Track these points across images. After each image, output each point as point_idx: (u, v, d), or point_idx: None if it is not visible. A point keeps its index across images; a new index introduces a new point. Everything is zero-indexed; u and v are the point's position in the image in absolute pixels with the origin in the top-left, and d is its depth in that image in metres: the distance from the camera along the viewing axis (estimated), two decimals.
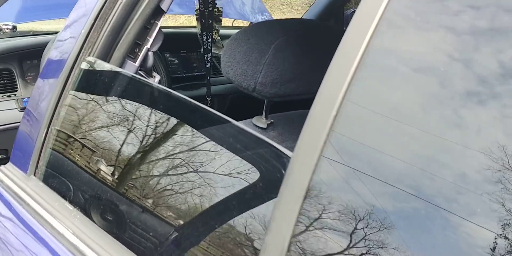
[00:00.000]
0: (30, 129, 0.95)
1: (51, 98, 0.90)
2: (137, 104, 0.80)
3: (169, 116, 0.75)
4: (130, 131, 0.79)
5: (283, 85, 0.95)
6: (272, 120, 1.09)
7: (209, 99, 2.10)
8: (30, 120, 0.96)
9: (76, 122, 0.87)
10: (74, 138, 0.87)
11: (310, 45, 1.00)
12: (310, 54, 0.98)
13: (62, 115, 0.88)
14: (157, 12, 0.94)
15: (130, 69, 0.96)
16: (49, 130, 0.89)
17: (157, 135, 0.75)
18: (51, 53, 0.98)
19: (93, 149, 0.83)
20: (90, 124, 0.86)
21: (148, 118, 0.78)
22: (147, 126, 0.77)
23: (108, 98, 0.84)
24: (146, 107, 0.79)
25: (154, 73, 1.08)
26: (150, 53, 1.01)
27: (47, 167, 0.90)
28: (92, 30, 0.90)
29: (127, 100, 0.81)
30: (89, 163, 0.83)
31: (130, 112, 0.80)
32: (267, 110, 1.08)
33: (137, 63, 0.98)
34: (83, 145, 0.85)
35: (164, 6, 0.93)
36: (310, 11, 2.34)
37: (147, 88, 0.82)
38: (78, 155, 0.86)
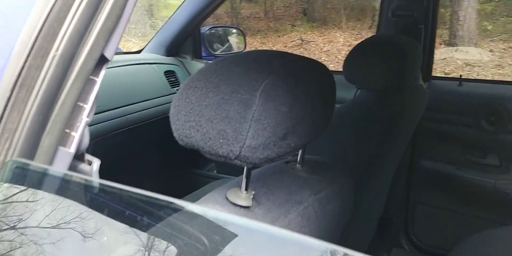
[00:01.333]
0: None
1: None
2: None
3: None
4: None
5: (276, 144, 0.74)
6: (253, 192, 0.84)
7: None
8: None
9: None
10: None
11: (296, 84, 0.78)
12: (298, 96, 0.77)
13: None
14: (100, 63, 0.60)
15: (64, 159, 0.60)
16: None
17: None
18: None
19: None
20: None
21: None
22: None
23: None
24: None
25: (90, 157, 0.71)
26: (87, 128, 0.66)
27: None
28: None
29: None
30: None
31: None
32: (247, 180, 0.81)
33: (73, 148, 0.62)
34: None
35: (108, 54, 0.60)
36: (163, 30, 2.32)
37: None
38: None
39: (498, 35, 7.52)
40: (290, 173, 0.99)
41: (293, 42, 8.38)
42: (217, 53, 2.62)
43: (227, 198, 0.81)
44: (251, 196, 0.83)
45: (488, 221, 1.99)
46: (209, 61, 2.51)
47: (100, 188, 0.59)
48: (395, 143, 1.68)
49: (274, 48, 8.03)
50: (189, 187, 2.27)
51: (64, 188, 0.60)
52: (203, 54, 2.52)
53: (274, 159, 0.77)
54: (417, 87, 1.71)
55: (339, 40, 8.08)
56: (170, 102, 2.29)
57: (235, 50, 2.77)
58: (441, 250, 2.10)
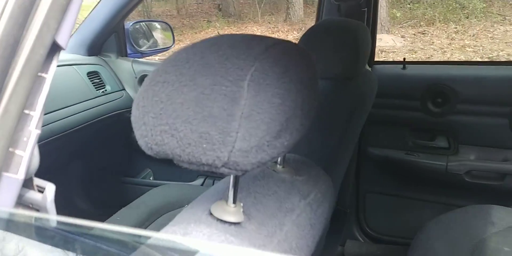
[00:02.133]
0: None
1: None
2: None
3: None
4: None
5: (270, 145, 0.61)
6: (242, 204, 0.71)
7: None
8: None
9: None
10: None
11: (285, 70, 0.64)
12: (288, 84, 0.63)
13: None
14: (51, 53, 0.44)
15: (10, 190, 0.43)
16: None
17: None
18: None
19: None
20: None
21: None
22: None
23: None
24: None
25: (40, 182, 0.53)
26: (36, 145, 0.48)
27: None
28: None
29: None
30: None
31: None
32: (236, 190, 0.68)
33: (21, 173, 0.45)
34: None
35: (61, 39, 0.44)
36: (82, 29, 2.14)
37: None
38: None
39: (407, 21, 7.80)
40: (274, 176, 0.87)
41: None
42: (143, 49, 2.43)
43: (211, 214, 0.68)
44: (241, 209, 0.70)
45: (443, 204, 1.98)
46: (136, 59, 2.33)
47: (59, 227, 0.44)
48: (355, 132, 1.60)
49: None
50: (124, 197, 2.09)
51: (13, 230, 0.43)
52: (129, 51, 2.33)
53: (266, 163, 0.64)
54: (368, 73, 1.64)
55: (257, 33, 8.04)
56: (97, 106, 2.09)
57: (161, 46, 2.59)
58: (396, 238, 2.07)
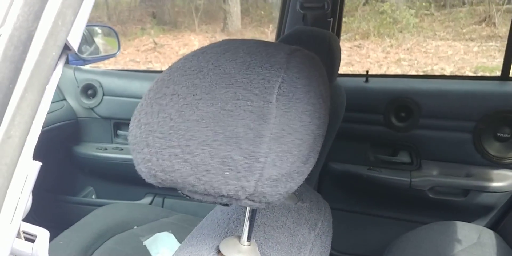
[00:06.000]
0: None
1: None
2: None
3: None
4: None
5: (299, 171, 0.52)
6: (254, 240, 0.63)
7: None
8: None
9: None
10: None
11: (309, 82, 0.54)
12: (313, 98, 0.54)
13: None
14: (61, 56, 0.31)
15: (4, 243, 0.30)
16: None
17: None
18: None
19: None
20: None
21: None
22: None
23: None
24: None
25: (28, 227, 0.39)
26: None
27: None
28: None
29: None
30: None
31: None
32: (251, 226, 0.56)
33: (17, 220, 0.31)
34: None
35: (73, 40, 0.32)
36: None
37: None
38: None
39: (343, 35, 7.94)
40: (279, 204, 0.76)
41: (146, 46, 8.00)
42: (85, 56, 2.24)
43: (219, 252, 0.58)
44: (257, 248, 0.59)
45: (407, 221, 1.94)
46: (79, 66, 2.14)
47: None
48: (326, 147, 1.53)
49: (126, 53, 7.56)
50: (65, 218, 1.90)
51: None
52: (70, 58, 2.14)
53: (290, 193, 0.53)
54: (337, 86, 1.57)
55: (194, 43, 7.89)
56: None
57: (103, 53, 2.41)
58: None
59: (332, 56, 1.29)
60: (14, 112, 0.27)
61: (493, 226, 1.76)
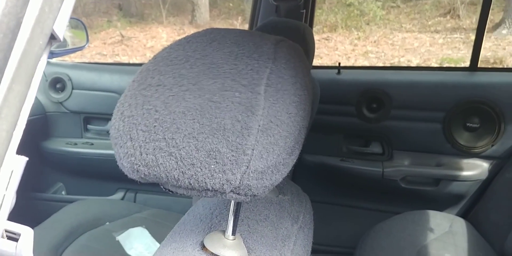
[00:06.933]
0: None
1: None
2: None
3: None
4: None
5: (285, 163, 0.52)
6: (240, 234, 0.63)
7: None
8: None
9: None
10: None
11: (296, 73, 0.54)
12: (299, 90, 0.54)
13: None
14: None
15: None
16: None
17: None
18: None
19: None
20: None
21: None
22: None
23: None
24: None
25: (11, 225, 0.37)
26: None
27: None
28: None
29: None
30: None
31: None
32: (236, 219, 0.56)
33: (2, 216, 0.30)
34: None
35: (58, 29, 0.31)
36: None
37: None
38: None
39: None
40: (262, 198, 0.75)
41: (113, 39, 7.85)
42: (52, 49, 2.18)
43: (204, 248, 0.58)
44: (242, 242, 0.58)
45: (379, 211, 1.96)
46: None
47: None
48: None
49: (92, 46, 7.40)
50: (35, 216, 1.86)
51: None
52: None
53: (275, 185, 0.53)
54: (311, 77, 1.57)
55: (162, 35, 7.79)
56: None
57: (71, 46, 2.35)
58: (334, 248, 2.02)
59: (307, 48, 1.29)
60: (1, 104, 0.26)
61: (463, 215, 1.80)
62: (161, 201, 2.13)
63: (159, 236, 1.71)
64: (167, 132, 0.45)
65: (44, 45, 0.29)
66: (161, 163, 0.46)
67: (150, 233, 1.71)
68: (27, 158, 0.33)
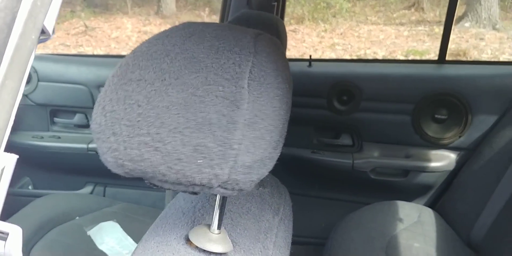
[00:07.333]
0: None
1: None
2: None
3: None
4: None
5: (270, 157, 0.52)
6: (224, 227, 0.62)
7: None
8: None
9: None
10: None
11: (277, 67, 0.54)
12: (280, 83, 0.54)
13: None
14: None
15: None
16: None
17: None
18: None
19: None
20: None
21: None
22: None
23: None
24: None
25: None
26: None
27: None
28: None
29: None
30: None
31: None
32: (222, 213, 0.56)
33: None
34: None
35: (49, 23, 0.30)
36: None
37: None
38: None
39: None
40: None
41: (77, 29, 7.68)
42: None
43: (188, 241, 0.58)
44: (227, 236, 0.58)
45: (350, 202, 1.99)
46: None
47: None
48: None
49: (55, 36, 7.22)
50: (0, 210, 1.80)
51: None
52: None
53: (261, 179, 0.53)
54: None
55: (127, 26, 7.65)
56: None
57: None
58: (306, 238, 2.04)
59: (280, 41, 1.28)
60: None
61: (432, 205, 1.84)
62: (130, 195, 2.11)
63: (130, 230, 1.69)
64: (152, 126, 0.45)
65: (37, 40, 0.28)
66: (146, 158, 0.46)
67: (121, 227, 1.70)
68: (17, 156, 0.32)
